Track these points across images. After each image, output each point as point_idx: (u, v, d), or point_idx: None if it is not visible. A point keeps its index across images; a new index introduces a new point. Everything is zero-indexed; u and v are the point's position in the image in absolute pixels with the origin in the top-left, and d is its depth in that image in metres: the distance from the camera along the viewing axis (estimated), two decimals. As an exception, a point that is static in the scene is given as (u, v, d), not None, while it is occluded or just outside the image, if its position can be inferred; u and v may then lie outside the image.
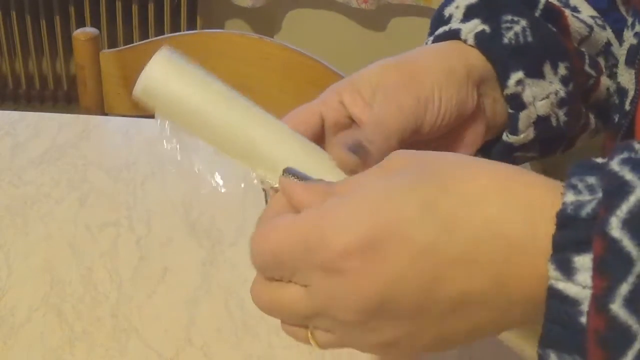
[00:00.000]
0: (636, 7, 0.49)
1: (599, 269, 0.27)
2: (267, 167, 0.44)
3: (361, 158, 0.43)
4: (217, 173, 0.44)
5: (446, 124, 0.47)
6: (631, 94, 0.49)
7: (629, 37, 0.49)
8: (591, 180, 0.29)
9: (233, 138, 0.43)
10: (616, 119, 0.51)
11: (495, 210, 0.30)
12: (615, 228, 0.27)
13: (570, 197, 0.29)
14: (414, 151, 0.35)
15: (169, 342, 0.58)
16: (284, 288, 0.34)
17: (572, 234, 0.28)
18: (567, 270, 0.28)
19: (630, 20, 0.50)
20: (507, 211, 0.30)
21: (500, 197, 0.30)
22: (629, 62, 0.49)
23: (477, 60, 0.48)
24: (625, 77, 0.49)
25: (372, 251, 0.30)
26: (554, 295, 0.28)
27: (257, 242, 0.34)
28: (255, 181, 0.45)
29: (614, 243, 0.27)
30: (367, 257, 0.30)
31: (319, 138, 0.48)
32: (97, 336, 0.58)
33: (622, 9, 0.54)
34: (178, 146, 0.45)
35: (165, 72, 0.42)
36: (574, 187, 0.29)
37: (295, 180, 0.39)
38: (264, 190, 0.46)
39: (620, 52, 0.50)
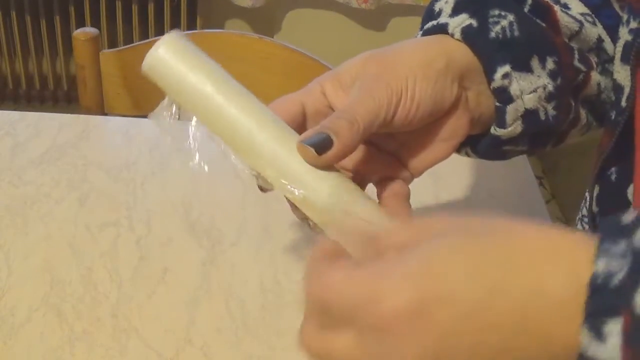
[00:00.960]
0: (631, 3, 0.49)
1: (628, 341, 0.28)
2: (259, 159, 0.45)
3: (321, 149, 0.44)
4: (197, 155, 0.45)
5: (420, 116, 0.47)
6: (627, 90, 0.49)
7: (624, 34, 0.49)
8: (621, 246, 0.30)
9: (232, 126, 0.45)
10: (613, 116, 0.51)
11: (539, 275, 0.31)
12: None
13: (601, 266, 0.30)
14: (451, 217, 0.36)
15: (169, 342, 0.58)
16: (336, 338, 0.35)
17: (602, 302, 0.29)
18: (598, 335, 0.29)
19: (625, 16, 0.50)
20: (550, 277, 0.31)
21: (545, 263, 0.31)
22: (624, 59, 0.49)
23: (461, 54, 0.49)
24: (621, 73, 0.50)
25: (419, 315, 0.32)
26: (586, 357, 0.30)
27: (315, 290, 0.35)
28: (246, 171, 0.46)
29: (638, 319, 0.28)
30: (414, 321, 0.32)
31: (300, 126, 0.49)
32: (97, 336, 0.58)
33: (616, 6, 0.54)
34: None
35: (171, 52, 0.44)
36: (605, 252, 0.30)
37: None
38: (258, 185, 0.47)
39: (616, 49, 0.50)
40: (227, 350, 0.58)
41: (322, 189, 0.44)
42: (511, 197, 0.77)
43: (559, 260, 0.31)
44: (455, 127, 0.50)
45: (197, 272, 0.65)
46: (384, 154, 0.51)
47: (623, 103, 0.49)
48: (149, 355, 0.57)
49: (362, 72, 0.48)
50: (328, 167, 0.44)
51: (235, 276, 0.65)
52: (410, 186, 0.51)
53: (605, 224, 0.31)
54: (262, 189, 0.48)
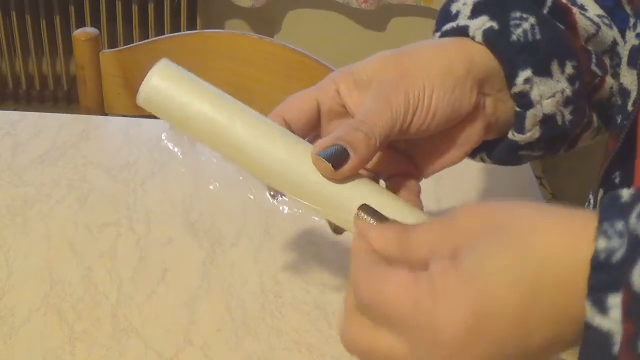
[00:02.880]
0: (638, 7, 0.49)
1: (626, 315, 0.30)
2: (270, 174, 0.44)
3: (338, 164, 0.43)
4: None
5: (437, 124, 0.47)
6: (633, 94, 0.49)
7: (630, 38, 0.49)
8: (619, 226, 0.31)
9: (235, 146, 0.43)
10: (619, 120, 0.51)
11: (560, 270, 0.33)
12: (637, 280, 0.30)
13: (602, 244, 0.31)
14: (479, 207, 0.37)
15: (169, 342, 0.58)
16: (384, 337, 0.36)
17: (605, 278, 0.31)
18: (602, 309, 0.31)
19: (632, 20, 0.50)
20: (566, 267, 0.33)
21: (566, 253, 0.33)
22: (631, 63, 0.49)
23: (481, 58, 0.48)
24: (628, 78, 0.49)
25: (472, 332, 0.33)
26: (590, 328, 0.31)
27: (368, 292, 0.36)
28: (266, 193, 0.46)
29: (636, 294, 0.30)
30: (467, 337, 0.33)
31: (315, 123, 0.48)
32: (97, 336, 0.58)
33: (628, 8, 0.54)
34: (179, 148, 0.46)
35: (164, 81, 0.43)
36: (604, 233, 0.31)
37: (370, 220, 0.41)
38: (271, 196, 0.46)
39: (623, 53, 0.50)
40: (227, 350, 0.58)
41: (352, 200, 0.43)
42: (511, 197, 0.77)
43: (576, 247, 0.32)
44: (471, 133, 0.49)
45: (197, 272, 0.65)
46: (397, 153, 0.51)
47: (629, 107, 0.49)
48: (149, 355, 0.57)
49: (379, 75, 0.47)
50: (346, 177, 0.44)
51: (235, 276, 0.65)
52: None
53: (605, 202, 0.33)
54: (272, 194, 0.47)
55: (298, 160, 0.43)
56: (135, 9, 2.10)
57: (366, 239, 0.38)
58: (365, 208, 0.41)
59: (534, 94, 0.48)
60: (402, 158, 0.51)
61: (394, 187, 0.49)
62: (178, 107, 0.43)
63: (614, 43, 0.53)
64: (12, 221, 0.69)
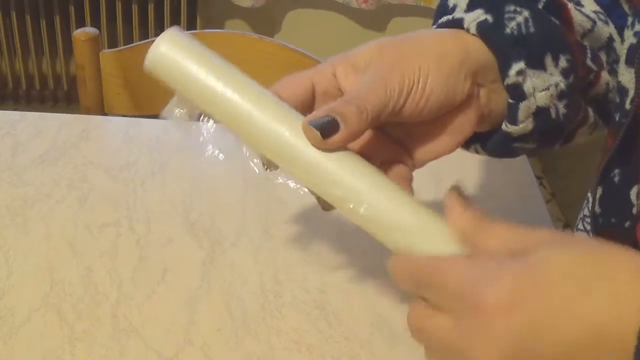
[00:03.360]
0: (637, 5, 0.49)
1: None
2: (263, 144, 0.45)
3: (327, 133, 0.44)
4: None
5: (430, 109, 0.47)
6: (631, 93, 0.49)
7: (629, 36, 0.49)
8: None
9: (231, 114, 0.45)
10: (617, 118, 0.51)
11: (618, 298, 0.34)
12: None
13: None
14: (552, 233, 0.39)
15: (169, 342, 0.58)
16: (436, 316, 0.38)
17: None
18: None
19: (630, 19, 0.50)
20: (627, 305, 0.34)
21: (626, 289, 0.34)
22: (629, 62, 0.49)
23: (476, 49, 0.49)
24: (626, 76, 0.50)
25: (515, 304, 0.35)
26: None
27: (432, 273, 0.39)
28: (256, 160, 0.46)
29: None
30: (509, 309, 0.35)
31: (309, 105, 0.49)
32: (97, 336, 0.58)
33: (626, 6, 0.54)
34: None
35: (173, 47, 0.45)
36: None
37: (459, 199, 0.43)
38: (265, 168, 0.47)
39: (621, 52, 0.50)
40: (227, 350, 0.58)
41: (339, 174, 0.44)
42: (511, 197, 0.77)
43: (620, 291, 0.34)
44: (464, 122, 0.50)
45: (197, 272, 0.65)
46: (390, 140, 0.51)
47: (627, 105, 0.49)
48: (149, 355, 0.57)
49: (376, 59, 0.48)
50: (335, 148, 0.44)
51: (235, 276, 0.65)
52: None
53: None
54: (266, 166, 0.48)
55: (290, 130, 0.44)
56: (135, 9, 2.10)
57: (450, 212, 0.42)
58: (457, 188, 0.43)
59: (527, 86, 0.49)
60: (395, 145, 0.51)
61: (385, 172, 0.50)
62: (180, 75, 0.45)
63: (610, 39, 0.54)
64: (12, 221, 0.69)
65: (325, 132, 0.43)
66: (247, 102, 0.45)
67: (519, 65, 0.48)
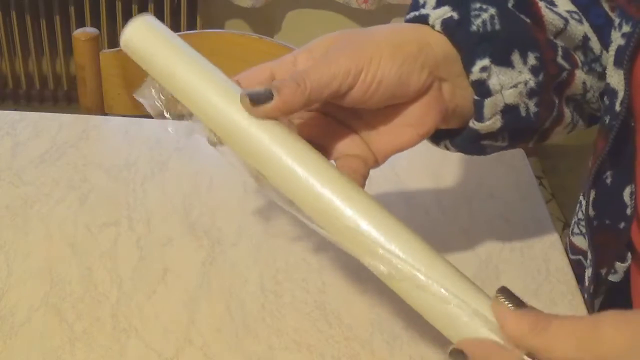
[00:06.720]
0: (622, 7, 0.49)
1: None
2: (206, 117, 0.47)
3: (257, 101, 0.44)
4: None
5: (382, 94, 0.47)
6: (621, 95, 0.49)
7: (616, 38, 0.49)
8: None
9: (182, 90, 0.47)
10: (607, 120, 0.51)
11: None
12: None
13: None
14: (626, 318, 0.38)
15: (169, 342, 0.58)
16: None
17: None
18: None
19: (617, 20, 0.50)
20: None
21: None
22: (618, 63, 0.49)
23: (437, 43, 0.49)
24: (615, 78, 0.49)
25: None
26: None
27: None
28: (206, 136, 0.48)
29: None
30: None
31: None
32: (97, 336, 0.58)
33: (606, 6, 0.54)
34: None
35: (142, 31, 0.48)
36: None
37: (508, 305, 0.41)
38: (211, 143, 0.48)
39: (609, 53, 0.50)
40: (227, 350, 0.58)
41: (265, 142, 0.45)
42: (511, 197, 0.77)
43: None
44: (424, 114, 0.50)
45: (197, 272, 0.65)
46: (350, 133, 0.51)
47: (617, 107, 0.49)
48: (149, 355, 0.57)
49: (332, 45, 0.48)
50: (267, 117, 0.45)
51: (235, 276, 0.65)
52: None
53: None
54: (210, 141, 0.49)
55: (228, 102, 0.46)
56: (135, 9, 2.10)
57: (502, 323, 0.40)
58: (504, 291, 0.42)
59: (493, 83, 0.49)
60: (355, 138, 0.51)
61: (340, 166, 0.50)
62: (148, 59, 0.48)
63: (586, 38, 0.53)
64: (12, 221, 0.69)
65: (256, 100, 0.44)
66: (196, 78, 0.46)
67: (483, 62, 0.48)
